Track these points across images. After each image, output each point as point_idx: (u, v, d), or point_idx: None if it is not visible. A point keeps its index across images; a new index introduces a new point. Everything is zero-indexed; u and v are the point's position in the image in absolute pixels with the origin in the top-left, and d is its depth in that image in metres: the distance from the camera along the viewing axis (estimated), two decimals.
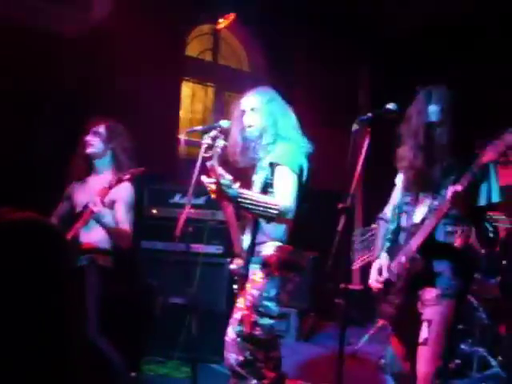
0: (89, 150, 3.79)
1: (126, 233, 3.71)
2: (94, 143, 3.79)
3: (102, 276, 3.66)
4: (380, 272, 3.07)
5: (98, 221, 3.56)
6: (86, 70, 5.06)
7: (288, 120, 3.21)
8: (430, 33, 6.63)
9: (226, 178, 2.85)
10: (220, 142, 3.02)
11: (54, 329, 1.26)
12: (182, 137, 3.07)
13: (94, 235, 3.71)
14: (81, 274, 3.63)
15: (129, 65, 5.21)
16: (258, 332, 3.01)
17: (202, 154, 3.04)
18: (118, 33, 5.09)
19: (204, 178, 2.92)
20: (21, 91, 4.75)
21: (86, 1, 5.02)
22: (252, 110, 3.19)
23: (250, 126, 3.17)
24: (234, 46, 7.44)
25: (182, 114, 6.78)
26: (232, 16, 6.61)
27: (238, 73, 7.29)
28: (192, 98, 7.20)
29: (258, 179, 3.18)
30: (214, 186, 2.86)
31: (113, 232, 3.66)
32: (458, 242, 2.86)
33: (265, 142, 3.14)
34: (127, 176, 3.55)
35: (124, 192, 3.74)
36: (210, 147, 3.00)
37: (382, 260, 3.10)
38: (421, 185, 2.96)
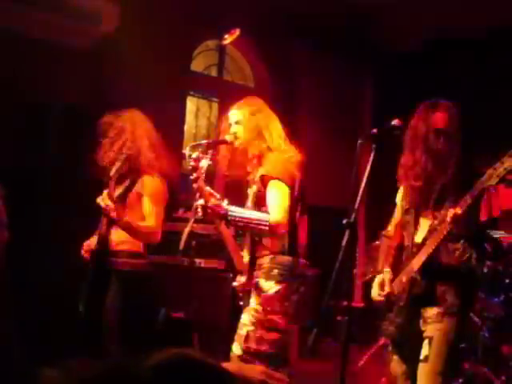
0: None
1: (146, 228, 3.59)
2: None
3: (126, 283, 3.58)
4: (382, 287, 3.07)
5: (106, 216, 3.48)
6: (91, 83, 5.08)
7: (274, 131, 3.20)
8: (434, 47, 6.65)
9: (215, 196, 2.86)
10: (204, 163, 3.00)
11: None
12: (186, 151, 3.07)
13: (123, 233, 3.62)
14: (107, 277, 3.59)
15: (133, 79, 5.23)
16: (264, 347, 2.97)
17: (205, 167, 3.05)
18: (123, 47, 5.12)
19: (198, 201, 2.94)
20: (26, 102, 4.78)
21: (94, 14, 5.06)
22: (236, 123, 3.20)
23: (235, 140, 3.17)
24: (239, 61, 7.47)
25: (186, 128, 6.79)
26: (237, 32, 6.65)
27: (242, 88, 7.32)
28: (196, 113, 7.22)
29: (251, 193, 3.19)
30: (201, 208, 2.89)
31: (125, 228, 3.52)
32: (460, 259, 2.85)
33: (251, 155, 3.14)
34: (122, 158, 3.49)
35: (149, 185, 3.64)
36: (195, 169, 2.98)
37: (385, 275, 3.09)
38: (425, 195, 2.96)
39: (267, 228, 2.92)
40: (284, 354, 3.07)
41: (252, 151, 3.13)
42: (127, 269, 3.60)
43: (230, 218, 2.88)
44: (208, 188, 2.94)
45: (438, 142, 2.91)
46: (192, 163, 2.99)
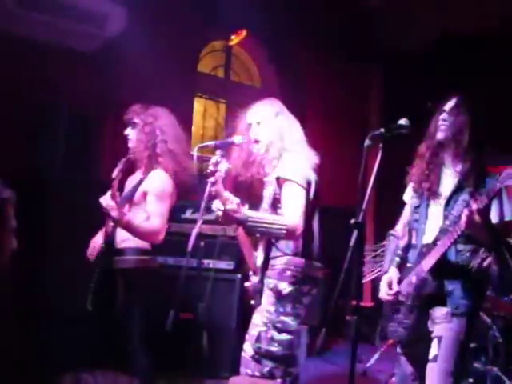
0: (130, 145, 3.64)
1: (148, 228, 3.47)
2: (132, 137, 3.65)
3: (132, 280, 3.52)
4: (390, 285, 3.07)
5: (108, 215, 3.36)
6: (98, 85, 5.10)
7: (295, 133, 3.18)
8: (443, 47, 6.64)
9: (234, 202, 2.84)
10: (223, 166, 2.93)
11: None
12: (194, 152, 3.05)
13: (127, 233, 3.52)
14: (114, 277, 3.54)
15: (140, 80, 5.25)
16: (275, 348, 2.97)
17: (223, 171, 3.01)
18: (130, 48, 5.14)
19: (216, 204, 2.91)
20: (33, 105, 4.80)
21: (100, 17, 5.08)
22: (258, 123, 3.17)
23: (256, 141, 3.16)
24: (245, 62, 7.49)
25: (193, 130, 6.80)
26: (244, 32, 6.66)
27: (249, 89, 7.33)
28: (204, 114, 7.23)
29: (267, 194, 3.18)
30: (220, 212, 2.87)
31: (125, 228, 3.41)
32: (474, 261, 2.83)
33: (271, 157, 3.12)
34: (123, 160, 3.43)
35: (155, 182, 3.54)
36: (213, 173, 2.93)
37: (392, 274, 3.09)
38: (435, 194, 2.95)
39: (284, 232, 2.91)
40: (294, 355, 3.07)
41: (272, 153, 3.12)
42: (133, 266, 3.52)
43: (247, 223, 2.86)
44: (227, 192, 2.90)
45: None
46: (211, 167, 2.95)
